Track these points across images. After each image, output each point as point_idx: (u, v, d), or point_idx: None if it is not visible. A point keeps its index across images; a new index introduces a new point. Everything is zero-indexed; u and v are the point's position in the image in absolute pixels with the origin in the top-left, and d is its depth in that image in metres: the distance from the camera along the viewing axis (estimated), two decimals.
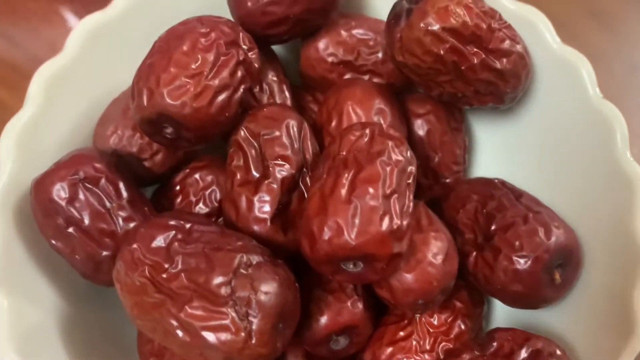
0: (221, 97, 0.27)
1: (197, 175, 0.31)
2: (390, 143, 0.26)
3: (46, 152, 0.30)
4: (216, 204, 0.31)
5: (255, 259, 0.25)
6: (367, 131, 0.26)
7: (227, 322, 0.23)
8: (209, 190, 0.31)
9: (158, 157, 0.31)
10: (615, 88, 0.47)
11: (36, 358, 0.26)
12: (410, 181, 0.26)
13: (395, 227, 0.25)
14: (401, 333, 0.29)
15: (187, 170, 0.31)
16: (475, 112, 0.35)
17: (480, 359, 0.26)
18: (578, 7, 0.50)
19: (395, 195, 0.25)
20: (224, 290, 0.24)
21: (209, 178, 0.31)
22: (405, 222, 0.25)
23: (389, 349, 0.29)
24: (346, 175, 0.25)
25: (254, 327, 0.23)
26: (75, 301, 0.30)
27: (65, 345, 0.28)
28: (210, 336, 0.23)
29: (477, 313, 0.31)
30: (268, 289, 0.24)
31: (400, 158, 0.26)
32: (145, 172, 0.31)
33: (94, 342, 0.30)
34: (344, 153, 0.26)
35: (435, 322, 0.29)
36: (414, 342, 0.29)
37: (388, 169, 0.25)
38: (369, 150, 0.26)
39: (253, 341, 0.23)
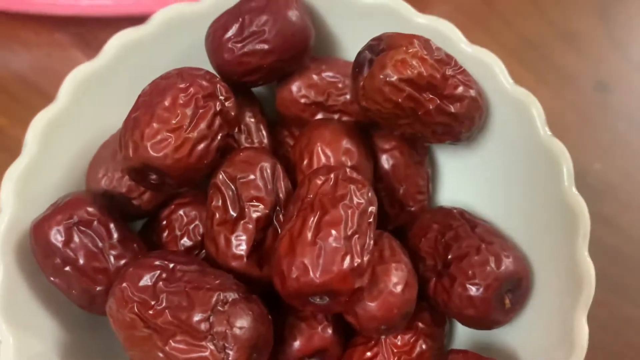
0: (200, 147, 0.30)
1: (181, 212, 0.34)
2: (352, 187, 0.29)
3: (44, 194, 0.33)
4: (199, 238, 0.34)
5: (231, 296, 0.28)
6: (332, 176, 0.29)
7: (206, 354, 0.27)
8: (193, 225, 0.34)
9: (145, 196, 0.34)
10: (585, 106, 0.50)
11: None
12: (371, 220, 0.29)
13: (355, 265, 0.28)
14: (368, 353, 0.32)
15: (172, 207, 0.34)
16: (438, 145, 0.38)
17: None
18: (548, 30, 0.52)
19: (357, 236, 0.28)
20: (203, 326, 0.27)
21: (193, 214, 0.34)
22: (365, 259, 0.28)
23: None
24: (312, 218, 0.28)
25: (230, 358, 0.27)
26: (75, 330, 0.33)
27: None
28: None
29: (439, 333, 0.34)
30: (242, 324, 0.27)
31: (361, 201, 0.29)
32: (134, 210, 0.34)
33: None
34: (311, 196, 0.29)
35: (399, 343, 0.32)
36: None
37: (349, 211, 0.28)
38: (333, 194, 0.29)
39: None
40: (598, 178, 0.47)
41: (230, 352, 0.27)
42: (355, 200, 0.29)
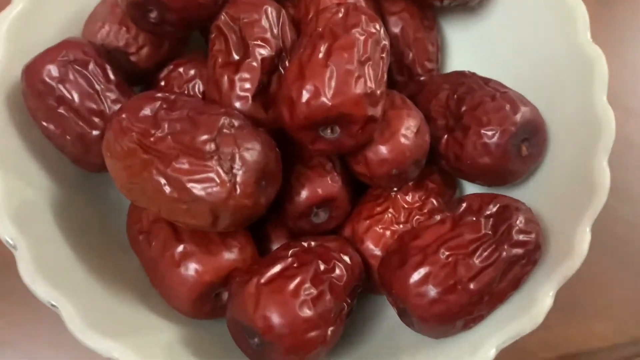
0: None
1: (180, 69, 0.32)
2: (364, 17, 0.28)
3: (35, 46, 0.31)
4: (199, 95, 0.32)
5: (237, 122, 0.26)
6: (342, 8, 0.28)
7: (212, 174, 0.25)
8: (192, 83, 0.32)
9: (144, 51, 0.32)
10: None
11: (29, 228, 0.27)
12: (384, 55, 0.28)
13: (369, 90, 0.26)
14: (378, 209, 0.31)
15: (171, 67, 0.33)
16: (445, 15, 0.37)
17: (451, 217, 0.28)
18: None
19: (370, 63, 0.27)
20: (208, 147, 0.25)
21: (192, 72, 0.32)
22: (379, 90, 0.27)
23: (367, 222, 0.30)
24: (323, 45, 0.27)
25: (238, 179, 0.25)
26: (67, 187, 0.31)
27: (57, 222, 0.29)
28: (196, 188, 0.25)
29: (449, 194, 0.32)
30: (251, 146, 0.26)
31: (373, 30, 0.27)
32: (131, 66, 0.32)
33: (85, 224, 0.31)
34: (320, 29, 0.28)
35: (410, 199, 0.31)
36: (390, 216, 0.30)
37: (362, 38, 0.27)
38: (344, 23, 0.27)
39: (237, 192, 0.25)
40: None
41: (238, 173, 0.25)
42: (368, 29, 0.27)
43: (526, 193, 0.32)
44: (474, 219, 0.27)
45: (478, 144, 0.30)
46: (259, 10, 0.30)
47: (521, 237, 0.27)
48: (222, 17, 0.30)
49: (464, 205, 0.28)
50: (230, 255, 0.27)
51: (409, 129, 0.29)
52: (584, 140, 0.30)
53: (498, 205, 0.28)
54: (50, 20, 0.32)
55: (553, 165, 0.31)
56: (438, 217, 0.28)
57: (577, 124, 0.30)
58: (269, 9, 0.30)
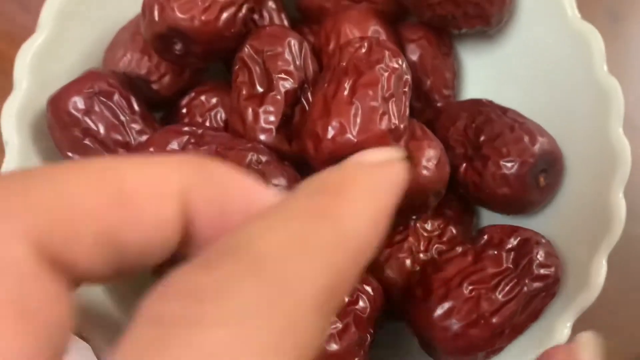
0: (227, 13, 0.29)
1: (202, 98, 0.33)
2: (387, 52, 0.28)
3: (59, 76, 0.31)
4: (221, 124, 0.33)
5: (264, 157, 0.27)
6: (365, 43, 0.28)
7: None
8: (215, 111, 0.33)
9: (165, 80, 0.32)
10: None
11: None
12: (406, 89, 0.28)
13: (393, 126, 0.27)
14: (397, 237, 0.31)
15: (193, 94, 0.33)
16: (462, 41, 0.37)
17: (472, 249, 0.28)
18: None
19: (393, 99, 0.27)
20: None
21: (214, 100, 0.33)
22: (402, 125, 0.27)
23: (387, 250, 0.31)
24: (347, 81, 0.27)
25: None
26: None
27: None
28: None
29: (467, 221, 0.33)
30: (278, 182, 0.26)
31: (396, 66, 0.28)
32: (153, 94, 0.32)
33: None
34: (344, 64, 0.28)
35: (429, 227, 0.32)
36: (410, 244, 0.31)
37: (386, 74, 0.27)
38: (367, 59, 0.28)
39: None
40: None
41: None
42: (391, 64, 0.28)
43: (543, 222, 0.32)
44: (496, 252, 0.28)
45: (497, 175, 0.30)
46: (282, 42, 0.30)
47: (542, 271, 0.27)
48: (246, 49, 0.30)
49: (485, 237, 0.28)
50: None
51: (430, 160, 0.29)
52: (600, 172, 0.30)
53: (519, 239, 0.28)
54: (72, 49, 0.32)
55: (569, 196, 0.32)
56: (460, 249, 0.28)
57: (593, 155, 0.31)
58: (292, 41, 0.30)
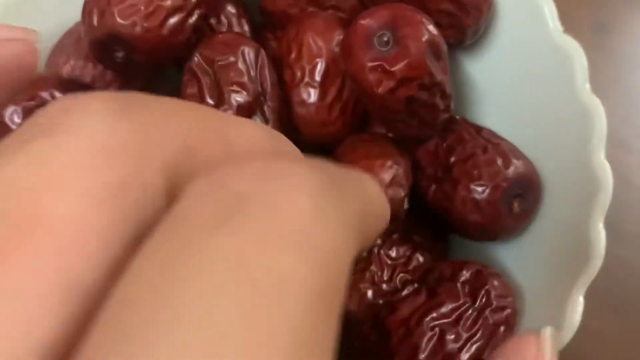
0: (173, 19, 0.26)
1: None
2: None
3: None
4: None
5: None
6: None
7: None
8: None
9: (111, 89, 0.30)
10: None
11: None
12: None
13: None
14: (358, 266, 0.29)
15: None
16: None
17: (424, 286, 0.26)
18: None
19: None
20: None
21: None
22: None
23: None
24: None
25: None
26: None
27: None
28: None
29: (437, 248, 0.31)
30: None
31: None
32: None
33: None
34: None
35: (394, 255, 0.29)
36: (372, 274, 0.29)
37: None
38: None
39: None
40: None
41: None
42: None
43: (517, 250, 0.30)
44: (450, 286, 0.25)
45: (468, 200, 0.28)
46: (235, 51, 0.28)
47: (501, 302, 0.25)
48: (196, 58, 0.28)
49: (436, 273, 0.26)
50: None
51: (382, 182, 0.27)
52: (579, 199, 0.28)
53: (470, 271, 0.26)
54: None
55: (546, 223, 0.29)
56: (410, 289, 0.26)
57: (572, 180, 0.28)
58: (246, 50, 0.28)
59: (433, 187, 0.29)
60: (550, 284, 0.28)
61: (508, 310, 0.26)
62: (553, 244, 0.28)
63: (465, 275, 0.26)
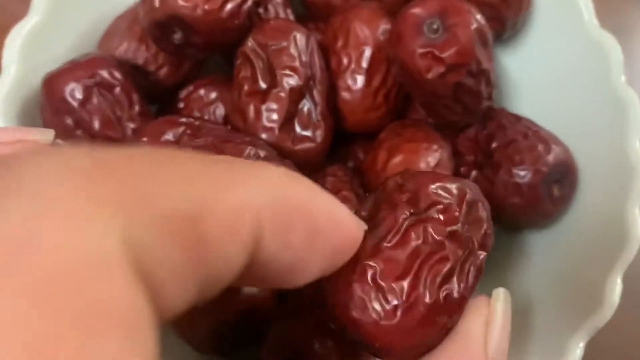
0: (231, 4, 0.27)
1: (201, 91, 0.31)
2: None
3: (52, 60, 0.29)
4: (220, 120, 0.31)
5: (262, 152, 0.25)
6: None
7: None
8: (214, 107, 0.31)
9: (163, 71, 0.31)
10: None
11: None
12: None
13: None
14: None
15: (192, 87, 0.31)
16: None
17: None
18: None
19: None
20: None
21: (214, 94, 0.31)
22: None
23: None
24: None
25: None
26: None
27: None
28: None
29: None
30: None
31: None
32: (149, 85, 0.31)
33: None
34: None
35: None
36: None
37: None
38: None
39: None
40: None
41: None
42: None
43: (554, 237, 0.31)
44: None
45: (509, 184, 0.29)
46: (287, 36, 0.28)
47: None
48: (249, 43, 0.28)
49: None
50: None
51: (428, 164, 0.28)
52: (615, 186, 0.29)
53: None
54: (65, 34, 0.30)
55: (583, 209, 0.30)
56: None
57: (608, 168, 0.29)
58: (298, 36, 0.29)
59: (474, 173, 0.30)
60: (586, 266, 0.28)
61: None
62: (591, 229, 0.29)
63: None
